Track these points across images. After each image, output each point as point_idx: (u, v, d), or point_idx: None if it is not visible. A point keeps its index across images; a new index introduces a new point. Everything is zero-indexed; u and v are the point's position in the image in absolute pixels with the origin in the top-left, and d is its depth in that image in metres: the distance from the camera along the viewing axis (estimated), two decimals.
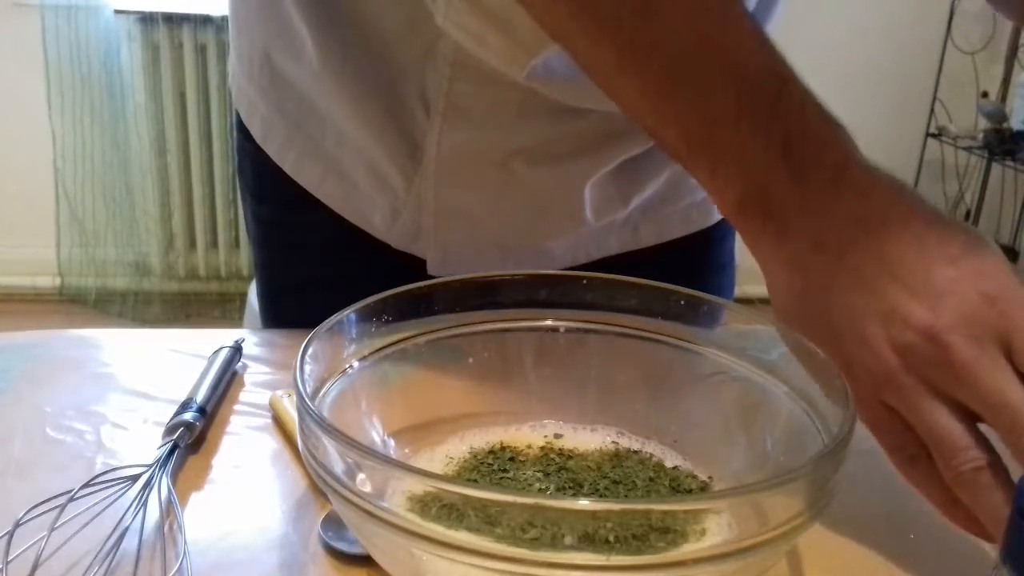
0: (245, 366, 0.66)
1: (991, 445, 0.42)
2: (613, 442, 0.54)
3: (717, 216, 0.75)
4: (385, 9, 0.61)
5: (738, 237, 0.79)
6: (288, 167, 0.72)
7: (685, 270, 0.69)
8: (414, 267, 0.71)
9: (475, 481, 0.49)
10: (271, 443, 0.57)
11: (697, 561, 0.37)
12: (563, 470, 0.51)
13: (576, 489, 0.49)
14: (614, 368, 0.57)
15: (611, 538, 0.37)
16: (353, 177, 0.70)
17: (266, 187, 0.76)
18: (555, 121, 0.63)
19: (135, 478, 0.50)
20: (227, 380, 0.63)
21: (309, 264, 0.78)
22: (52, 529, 0.44)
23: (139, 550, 0.45)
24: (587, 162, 0.65)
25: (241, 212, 1.19)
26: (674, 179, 0.70)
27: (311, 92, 0.68)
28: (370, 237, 0.72)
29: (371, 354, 0.52)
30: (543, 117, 0.63)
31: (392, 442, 0.52)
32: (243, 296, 2.40)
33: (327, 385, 0.49)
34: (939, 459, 0.42)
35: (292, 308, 0.79)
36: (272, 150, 0.73)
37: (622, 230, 0.71)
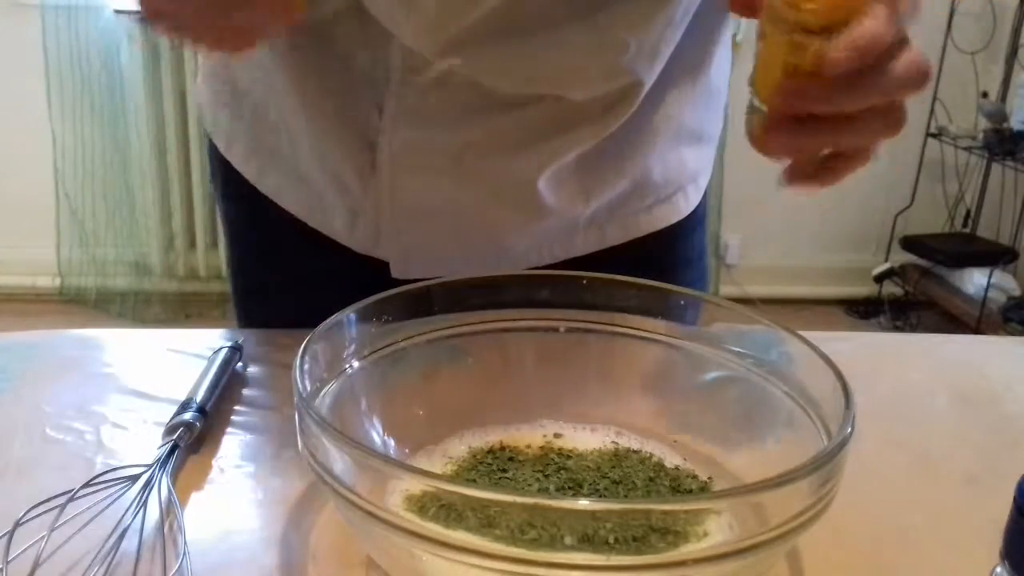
0: (245, 366, 0.66)
1: None
2: (613, 442, 0.54)
3: (684, 212, 0.76)
4: (338, 20, 0.63)
5: (713, 233, 0.81)
6: (251, 176, 0.74)
7: (654, 267, 0.69)
8: (380, 268, 0.71)
9: (474, 481, 0.49)
10: (271, 443, 0.57)
11: (697, 561, 0.37)
12: (563, 470, 0.51)
13: (576, 489, 0.49)
14: (614, 368, 0.57)
15: (611, 539, 0.37)
16: (312, 183, 0.71)
17: (233, 188, 0.77)
18: (502, 114, 0.64)
19: (135, 478, 0.50)
20: (227, 380, 0.63)
21: (277, 265, 0.79)
22: (52, 529, 0.44)
23: (139, 550, 0.45)
24: (538, 154, 0.66)
25: None
26: (638, 177, 0.71)
27: (268, 100, 0.70)
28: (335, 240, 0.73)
29: (371, 354, 0.52)
30: (490, 111, 0.64)
31: (392, 442, 0.52)
32: None
33: (327, 385, 0.49)
34: None
35: (262, 308, 0.81)
36: (235, 160, 0.75)
37: (587, 230, 0.72)
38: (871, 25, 0.41)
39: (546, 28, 0.59)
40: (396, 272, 0.71)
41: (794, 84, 0.43)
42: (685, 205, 0.76)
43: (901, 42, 0.43)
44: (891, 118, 0.44)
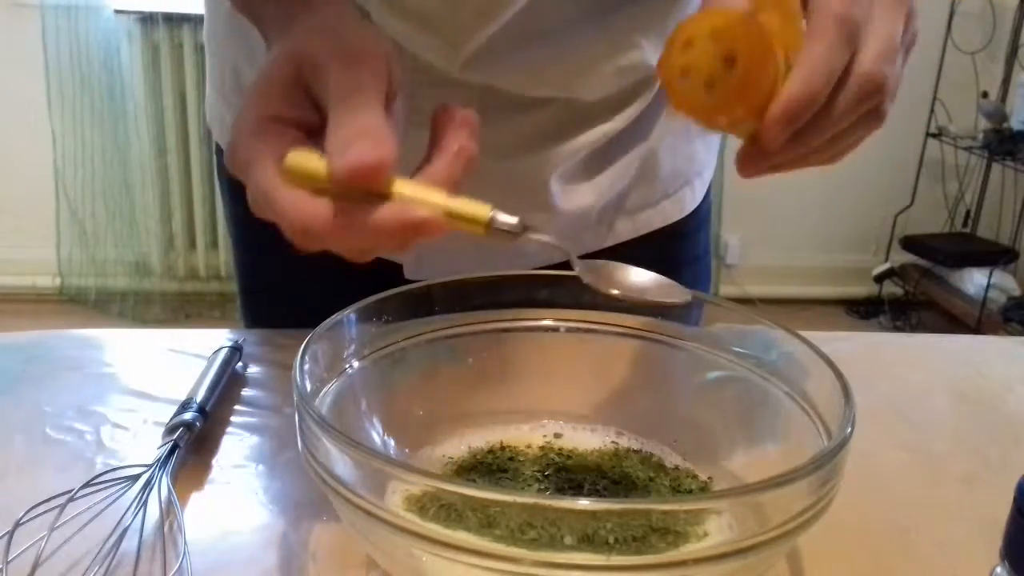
0: (245, 366, 0.66)
1: None
2: (613, 442, 0.54)
3: (689, 207, 0.77)
4: None
5: (713, 233, 0.82)
6: None
7: (659, 263, 0.70)
8: (387, 269, 0.71)
9: (474, 481, 0.49)
10: (271, 443, 0.57)
11: (697, 561, 0.37)
12: (563, 470, 0.51)
13: (576, 489, 0.49)
14: (614, 368, 0.57)
15: (611, 539, 0.37)
16: None
17: (239, 189, 0.76)
18: (514, 115, 0.65)
19: (135, 478, 0.50)
20: (227, 380, 0.63)
21: (284, 266, 0.79)
22: (52, 529, 0.44)
23: (139, 550, 0.45)
24: (550, 153, 0.67)
25: None
26: (646, 172, 0.71)
27: None
28: None
29: (371, 354, 0.52)
30: (502, 112, 0.65)
31: (392, 442, 0.52)
32: None
33: (327, 385, 0.49)
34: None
35: (269, 309, 0.81)
36: None
37: (597, 226, 0.73)
38: (796, 88, 0.41)
39: (559, 33, 0.59)
40: (409, 273, 0.71)
41: (751, 153, 0.44)
42: (691, 200, 0.76)
43: (850, 62, 0.42)
44: (869, 120, 0.45)
